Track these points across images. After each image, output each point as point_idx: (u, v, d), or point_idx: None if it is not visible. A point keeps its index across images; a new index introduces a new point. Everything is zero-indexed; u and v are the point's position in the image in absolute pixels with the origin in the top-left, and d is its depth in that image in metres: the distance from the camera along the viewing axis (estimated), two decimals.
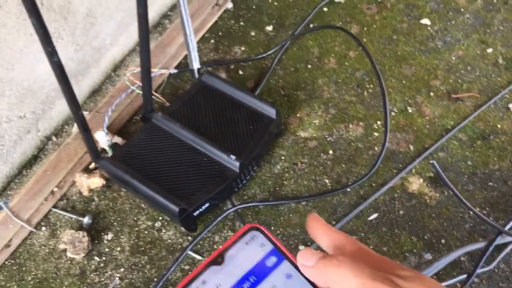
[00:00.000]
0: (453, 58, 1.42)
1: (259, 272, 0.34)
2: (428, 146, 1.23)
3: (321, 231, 0.35)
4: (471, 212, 1.11)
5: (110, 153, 1.17)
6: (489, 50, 1.43)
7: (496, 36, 1.47)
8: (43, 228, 1.11)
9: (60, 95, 1.21)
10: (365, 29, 1.50)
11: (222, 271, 0.34)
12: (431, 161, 1.17)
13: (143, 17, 1.01)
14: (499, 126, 1.27)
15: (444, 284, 1.00)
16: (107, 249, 1.08)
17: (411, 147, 1.23)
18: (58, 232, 1.10)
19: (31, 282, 1.03)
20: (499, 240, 1.05)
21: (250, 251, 0.35)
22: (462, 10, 1.54)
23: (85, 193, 1.15)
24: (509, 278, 1.03)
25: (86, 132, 1.05)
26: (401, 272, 0.31)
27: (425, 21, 1.51)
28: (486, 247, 1.04)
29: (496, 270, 1.04)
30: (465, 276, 1.02)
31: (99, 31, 1.28)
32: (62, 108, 1.25)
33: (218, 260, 0.34)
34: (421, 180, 1.17)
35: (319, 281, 0.32)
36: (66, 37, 1.18)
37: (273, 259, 0.34)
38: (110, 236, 1.10)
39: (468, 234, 1.09)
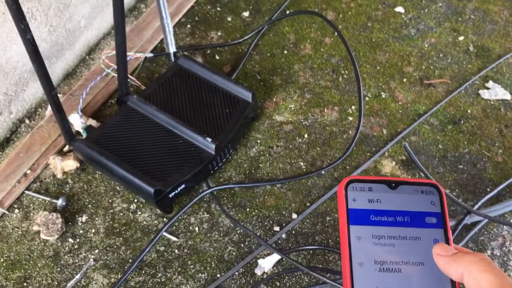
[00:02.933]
0: (426, 46, 1.45)
1: (415, 219, 0.38)
2: (400, 130, 1.25)
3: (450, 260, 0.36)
4: None
5: (84, 136, 1.16)
6: (461, 38, 1.47)
7: (467, 25, 1.50)
8: (16, 211, 1.09)
9: (33, 77, 1.20)
10: (340, 16, 1.52)
11: (390, 194, 0.38)
12: (403, 143, 1.20)
13: None
14: (469, 111, 1.30)
15: None
16: (81, 231, 1.07)
17: (384, 131, 1.25)
18: (31, 214, 1.09)
19: (4, 264, 1.02)
20: (468, 220, 1.08)
21: (420, 199, 0.38)
22: None
23: (59, 175, 1.14)
24: None
25: (59, 113, 1.04)
26: None
27: (399, 9, 1.54)
28: (455, 226, 1.07)
29: None
30: None
31: (73, 13, 1.27)
32: (35, 91, 1.24)
33: (393, 185, 0.38)
34: (393, 163, 1.19)
35: (452, 270, 0.35)
36: (39, 17, 1.16)
37: (433, 220, 0.38)
38: (84, 218, 1.09)
39: None
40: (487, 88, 1.34)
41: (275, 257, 1.03)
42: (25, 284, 1.00)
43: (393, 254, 0.36)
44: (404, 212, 0.38)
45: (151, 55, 1.37)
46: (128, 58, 1.21)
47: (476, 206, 1.11)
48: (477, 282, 0.33)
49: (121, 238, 1.07)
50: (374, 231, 0.37)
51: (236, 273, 1.03)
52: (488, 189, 1.15)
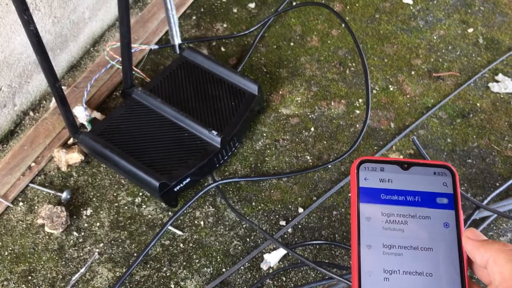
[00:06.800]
0: (435, 38, 1.43)
1: (426, 199, 0.37)
2: (408, 124, 1.23)
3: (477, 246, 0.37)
4: None
5: (89, 128, 1.15)
6: (470, 30, 1.44)
7: (477, 16, 1.48)
8: (20, 204, 1.09)
9: (37, 68, 1.19)
10: (347, 7, 1.50)
11: (402, 175, 0.38)
12: (411, 137, 1.18)
13: None
14: (478, 104, 1.28)
15: None
16: (86, 224, 1.06)
17: (392, 125, 1.24)
18: (36, 207, 1.08)
19: (8, 257, 1.01)
20: (477, 215, 1.06)
21: (432, 180, 0.38)
22: None
23: (64, 168, 1.13)
24: None
25: (64, 105, 1.03)
26: None
27: (408, 0, 1.52)
28: (463, 221, 1.05)
29: None
30: None
31: (78, 4, 1.25)
32: (39, 83, 1.22)
33: (405, 166, 0.38)
34: (401, 156, 1.18)
35: (478, 254, 0.36)
36: (43, 8, 1.14)
37: (444, 200, 0.38)
38: (89, 211, 1.08)
39: None
40: (497, 81, 1.32)
41: (281, 251, 1.02)
42: (29, 277, 0.99)
43: (402, 232, 0.37)
44: (415, 192, 0.38)
45: (156, 47, 1.35)
46: (133, 50, 1.20)
47: (485, 201, 1.09)
48: (501, 270, 0.34)
49: (126, 232, 1.06)
50: (384, 209, 0.37)
51: (242, 267, 1.02)
52: (497, 184, 1.14)
